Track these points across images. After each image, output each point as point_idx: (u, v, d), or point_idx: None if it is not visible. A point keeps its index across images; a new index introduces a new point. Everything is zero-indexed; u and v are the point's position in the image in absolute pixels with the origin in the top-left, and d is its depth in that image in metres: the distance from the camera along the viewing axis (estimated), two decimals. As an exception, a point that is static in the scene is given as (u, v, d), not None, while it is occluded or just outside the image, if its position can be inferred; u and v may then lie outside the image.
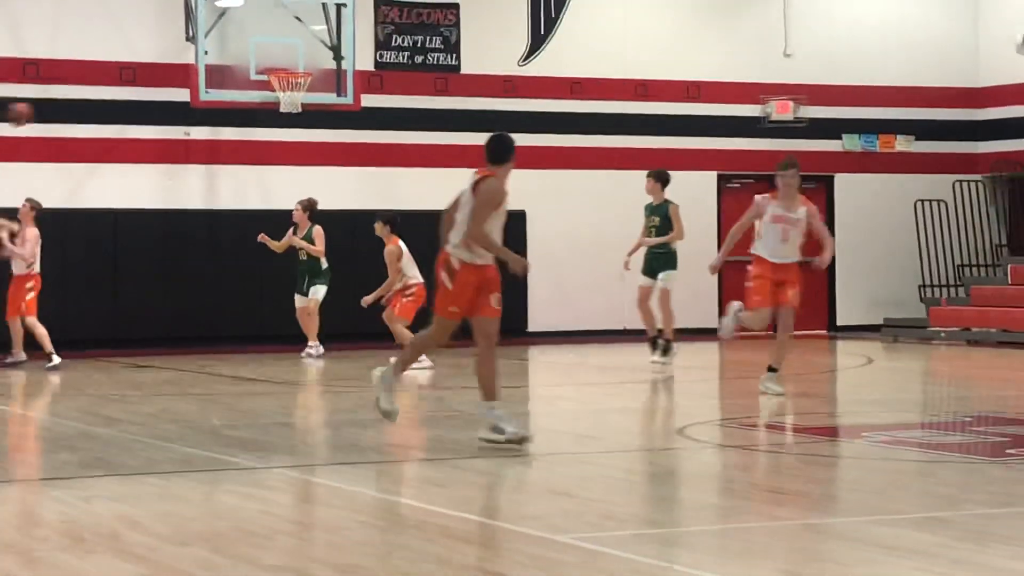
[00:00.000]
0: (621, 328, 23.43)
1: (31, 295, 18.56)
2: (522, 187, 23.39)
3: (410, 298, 17.86)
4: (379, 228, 18.29)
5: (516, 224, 23.25)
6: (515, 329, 23.10)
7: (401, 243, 18.15)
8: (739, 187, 24.70)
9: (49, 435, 11.67)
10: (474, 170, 11.28)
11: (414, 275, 18.08)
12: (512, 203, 23.05)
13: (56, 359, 18.14)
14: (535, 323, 23.52)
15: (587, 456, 10.66)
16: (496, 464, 10.24)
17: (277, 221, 21.21)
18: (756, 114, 24.67)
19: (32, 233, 18.70)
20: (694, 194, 24.24)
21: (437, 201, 22.51)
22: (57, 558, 7.13)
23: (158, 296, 21.58)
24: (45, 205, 21.04)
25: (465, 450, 10.61)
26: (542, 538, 7.51)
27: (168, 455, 10.54)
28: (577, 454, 10.81)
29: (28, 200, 18.90)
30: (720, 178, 24.72)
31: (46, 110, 21.22)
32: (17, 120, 18.70)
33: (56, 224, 21.24)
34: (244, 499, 8.83)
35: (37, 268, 18.72)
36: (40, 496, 8.87)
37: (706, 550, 7.49)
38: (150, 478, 9.55)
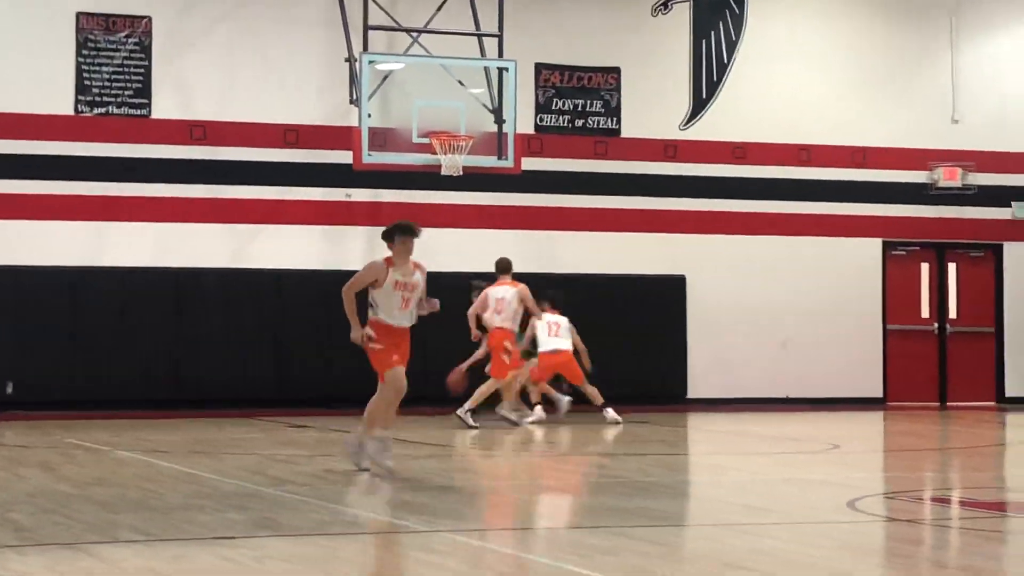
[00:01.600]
0: (783, 396, 23.14)
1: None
2: (682, 252, 23.38)
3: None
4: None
5: (675, 289, 23.15)
6: (675, 396, 22.94)
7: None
8: (905, 254, 24.32)
9: (218, 494, 11.72)
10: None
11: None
12: (672, 268, 23.26)
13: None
14: (694, 390, 23.30)
15: (758, 528, 10.45)
16: (665, 534, 10.08)
17: (438, 284, 21.24)
18: (923, 180, 24.29)
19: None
20: (858, 262, 23.97)
21: (596, 264, 22.76)
22: (233, 619, 7.12)
23: (319, 356, 21.72)
24: (210, 266, 21.37)
25: (633, 518, 10.46)
26: (718, 611, 7.34)
27: (336, 517, 10.53)
28: (747, 525, 10.60)
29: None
30: (885, 245, 24.34)
31: (212, 172, 21.58)
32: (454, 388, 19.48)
33: (220, 284, 21.55)
34: (415, 563, 8.77)
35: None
36: (213, 555, 8.88)
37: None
38: (320, 539, 9.54)
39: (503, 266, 19.65)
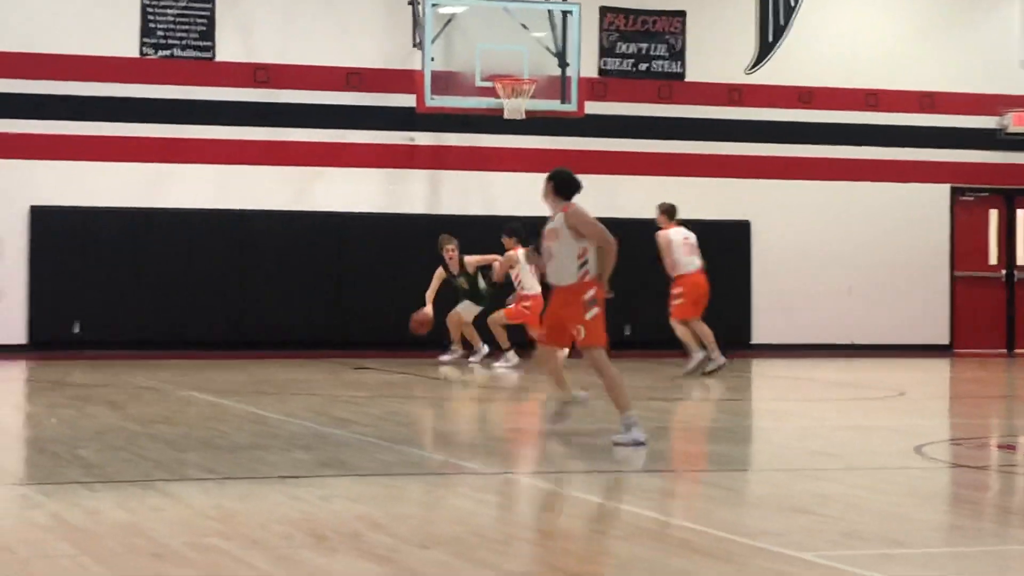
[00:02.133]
0: (848, 343, 23.02)
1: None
2: (747, 197, 23.22)
3: (527, 308, 18.57)
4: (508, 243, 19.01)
5: (740, 234, 23.01)
6: (738, 341, 22.84)
7: (520, 252, 18.77)
8: (973, 200, 24.08)
9: (284, 434, 11.77)
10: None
11: (532, 286, 18.52)
12: (736, 213, 23.15)
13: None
14: (758, 336, 23.20)
15: (824, 473, 10.40)
16: (732, 479, 10.05)
17: (499, 227, 21.24)
18: (992, 126, 24.00)
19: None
20: (925, 208, 23.75)
21: (656, 210, 22.58)
22: (302, 555, 7.15)
23: (380, 299, 21.76)
24: (271, 208, 21.42)
25: (699, 463, 10.44)
26: (784, 555, 7.31)
27: (400, 457, 10.56)
28: (813, 471, 10.56)
29: None
30: (953, 191, 24.09)
31: (273, 114, 21.59)
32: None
33: (281, 228, 21.60)
34: (479, 504, 8.78)
35: None
36: (281, 494, 8.92)
37: (957, 572, 7.22)
38: (385, 479, 9.57)
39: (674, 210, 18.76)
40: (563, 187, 11.62)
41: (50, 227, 20.85)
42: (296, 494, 8.86)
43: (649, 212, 22.72)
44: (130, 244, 21.17)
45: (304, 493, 8.87)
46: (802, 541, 7.75)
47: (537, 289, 18.12)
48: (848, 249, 23.29)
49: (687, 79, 23.13)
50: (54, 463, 10.05)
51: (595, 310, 11.16)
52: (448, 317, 20.10)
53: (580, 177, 23.35)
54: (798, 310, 23.27)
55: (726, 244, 22.92)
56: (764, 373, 20.42)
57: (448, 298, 20.07)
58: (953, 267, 23.88)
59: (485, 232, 21.45)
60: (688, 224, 23.59)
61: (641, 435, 10.78)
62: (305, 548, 7.31)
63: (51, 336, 20.74)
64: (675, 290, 18.35)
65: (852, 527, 8.22)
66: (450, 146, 22.34)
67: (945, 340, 23.75)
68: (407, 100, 21.32)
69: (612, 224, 22.87)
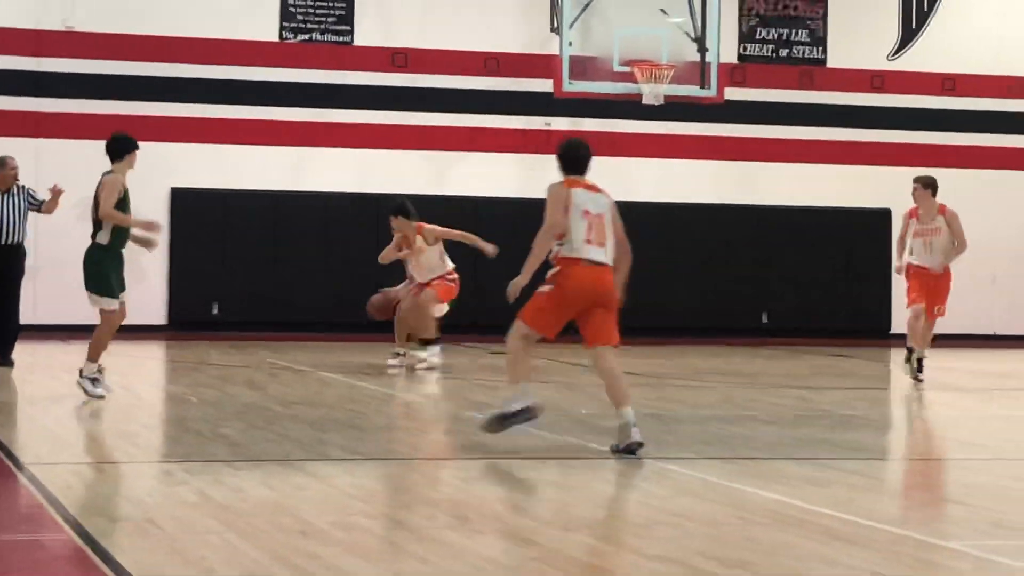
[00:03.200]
0: (991, 333, 22.64)
1: None
2: (887, 184, 22.88)
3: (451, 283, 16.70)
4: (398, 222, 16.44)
5: (880, 222, 22.70)
6: (879, 330, 22.58)
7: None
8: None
9: (425, 417, 11.82)
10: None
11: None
12: (877, 201, 22.82)
13: None
14: (899, 325, 22.83)
15: (971, 463, 10.23)
16: (874, 467, 9.92)
17: (637, 212, 21.14)
18: None
19: None
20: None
21: (799, 197, 22.42)
22: (446, 536, 7.16)
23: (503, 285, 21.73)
24: (410, 192, 21.49)
25: (841, 451, 10.31)
26: (931, 544, 7.20)
27: (540, 442, 10.54)
28: (960, 460, 10.39)
29: None
30: (1101, 180, 23.62)
31: (413, 99, 21.68)
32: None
33: (420, 211, 21.66)
34: (621, 488, 8.75)
35: None
36: (424, 475, 8.95)
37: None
38: (525, 463, 9.56)
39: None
40: (560, 160, 10.79)
41: (190, 209, 21.12)
42: (436, 475, 8.89)
43: (788, 199, 22.52)
44: (269, 227, 21.38)
45: (445, 475, 8.90)
46: (949, 530, 7.63)
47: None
48: (991, 238, 22.85)
49: (828, 65, 22.87)
50: (198, 441, 10.17)
51: (544, 288, 10.48)
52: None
53: (718, 163, 23.18)
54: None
55: (867, 232, 22.64)
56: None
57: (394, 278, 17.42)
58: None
59: (622, 217, 21.36)
60: (828, 212, 23.36)
61: (516, 405, 10.02)
62: (449, 529, 7.32)
63: (190, 317, 21.01)
64: None
65: (1000, 517, 8.08)
66: (587, 131, 22.25)
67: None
68: (544, 85, 21.30)
69: (751, 211, 22.96)
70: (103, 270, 12.22)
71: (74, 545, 6.74)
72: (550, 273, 10.38)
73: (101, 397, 12.16)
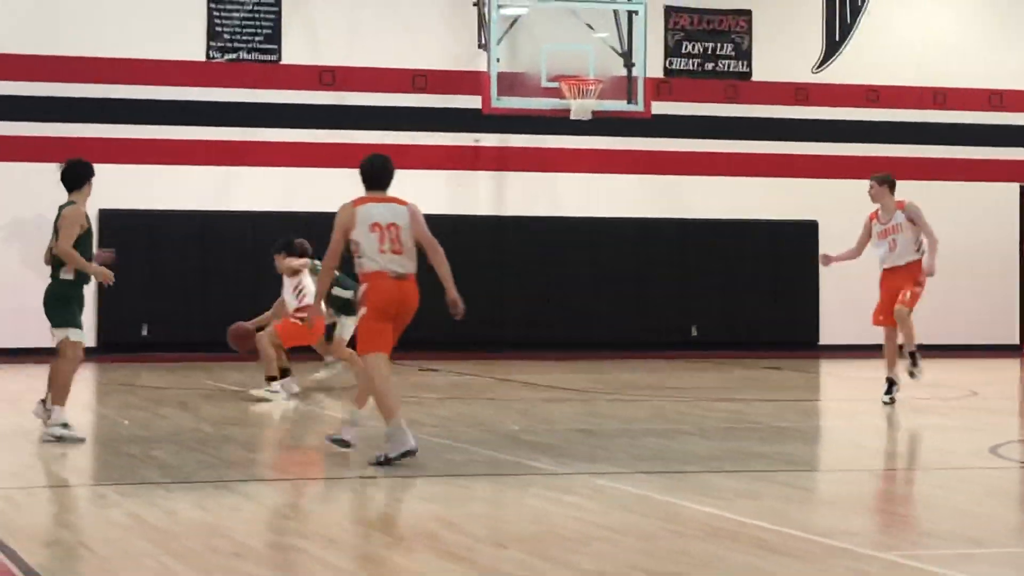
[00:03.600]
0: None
1: None
2: (814, 196, 23.08)
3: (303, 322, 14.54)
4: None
5: (807, 234, 22.87)
6: (806, 342, 22.73)
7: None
8: (1044, 199, 23.85)
9: (360, 434, 11.79)
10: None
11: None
12: (803, 212, 23.00)
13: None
14: (826, 336, 23.07)
15: (897, 474, 10.33)
16: (803, 478, 10.00)
17: (565, 228, 21.26)
18: (1062, 124, 23.78)
19: None
20: (994, 207, 23.55)
21: (726, 210, 22.57)
22: (381, 554, 7.17)
23: (443, 299, 21.72)
24: (337, 210, 21.44)
25: (773, 463, 10.39)
26: (864, 554, 7.26)
27: (471, 458, 10.56)
28: (886, 471, 10.49)
29: None
30: (1023, 190, 23.86)
31: (340, 117, 21.65)
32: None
33: (349, 228, 21.65)
34: (553, 504, 8.77)
35: None
36: (357, 494, 8.95)
37: (1041, 573, 7.15)
38: (458, 480, 9.57)
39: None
40: (361, 178, 11.00)
41: (118, 230, 20.95)
42: (370, 494, 8.88)
43: (716, 212, 22.66)
44: (197, 247, 21.27)
45: (378, 493, 8.89)
46: (881, 541, 7.70)
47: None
48: (917, 248, 23.16)
49: (753, 78, 23.04)
50: (130, 464, 10.11)
51: (361, 312, 10.45)
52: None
53: (646, 178, 23.23)
54: (866, 311, 23.05)
55: (794, 244, 22.81)
56: (833, 373, 20.30)
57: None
58: (1023, 266, 23.65)
59: (550, 233, 21.49)
60: (754, 225, 23.48)
61: (401, 448, 9.96)
62: (383, 547, 7.33)
63: (120, 339, 20.86)
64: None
65: (931, 527, 8.16)
66: (516, 147, 22.35)
67: (1015, 340, 23.54)
68: (473, 101, 21.33)
69: (678, 224, 23.11)
70: (70, 304, 11.48)
71: (6, 570, 6.69)
72: (360, 293, 10.46)
73: (82, 440, 11.22)
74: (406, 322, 10.49)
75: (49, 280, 11.64)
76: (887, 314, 14.59)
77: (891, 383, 14.42)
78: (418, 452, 10.02)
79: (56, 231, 11.58)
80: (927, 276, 14.59)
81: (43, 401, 11.54)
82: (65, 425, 11.23)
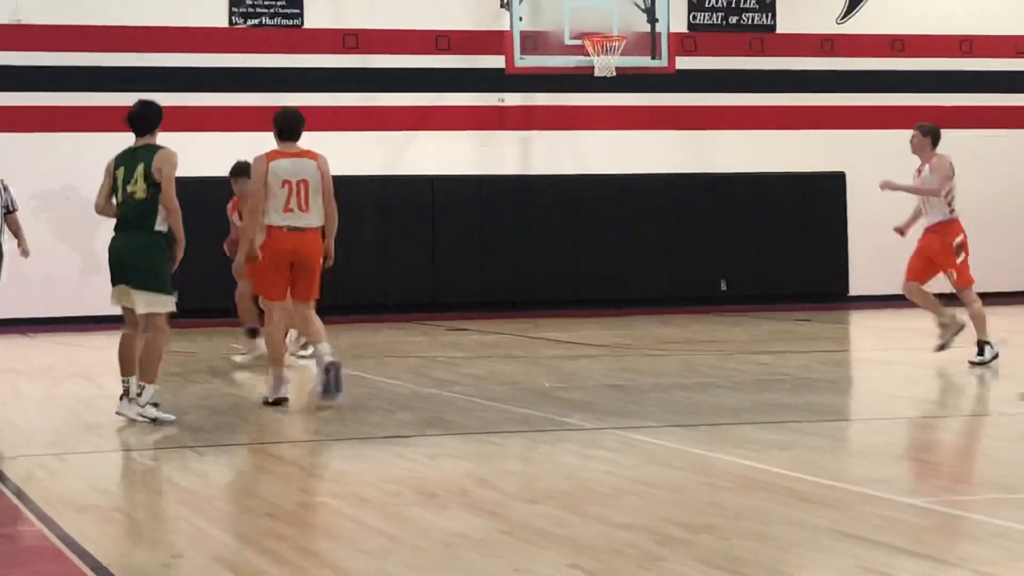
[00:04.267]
0: (948, 292, 22.76)
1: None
2: (841, 148, 22.97)
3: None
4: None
5: (835, 185, 22.79)
6: (836, 294, 22.68)
7: None
8: (1068, 145, 23.70)
9: (386, 395, 11.82)
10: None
11: None
12: (831, 164, 22.92)
13: None
14: (856, 287, 23.00)
15: (929, 421, 10.31)
16: (835, 429, 9.99)
17: (592, 184, 21.23)
18: (1087, 69, 23.61)
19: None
20: (1020, 155, 23.41)
21: (753, 163, 22.49)
22: (413, 512, 7.18)
23: (473, 261, 21.81)
24: (364, 173, 21.48)
25: (803, 414, 10.38)
26: (896, 501, 7.25)
27: (503, 416, 10.57)
28: (918, 419, 10.47)
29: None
30: (1050, 136, 23.76)
31: (364, 80, 21.63)
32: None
33: (375, 191, 21.67)
34: (585, 459, 8.78)
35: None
36: (388, 453, 8.97)
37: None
38: (490, 437, 9.59)
39: None
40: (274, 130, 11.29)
41: (145, 198, 21.01)
42: (402, 453, 8.90)
43: (744, 166, 22.57)
44: (224, 213, 21.27)
45: (410, 452, 8.91)
46: (912, 488, 7.69)
47: None
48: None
49: (778, 31, 22.92)
50: (162, 429, 10.14)
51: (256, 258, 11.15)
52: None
53: (671, 133, 23.14)
54: (896, 261, 22.96)
55: (822, 196, 22.74)
56: (863, 324, 20.25)
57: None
58: (1049, 213, 23.56)
59: (577, 191, 21.44)
60: (782, 178, 23.41)
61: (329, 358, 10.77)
62: (415, 505, 7.34)
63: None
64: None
65: (961, 473, 8.15)
66: (540, 106, 22.30)
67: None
68: (496, 61, 21.30)
69: (706, 179, 23.04)
70: (165, 264, 10.23)
71: (42, 536, 6.73)
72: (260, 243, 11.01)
73: (173, 420, 10.16)
74: (312, 270, 11.00)
75: (128, 232, 10.25)
76: (909, 273, 14.03)
77: (981, 344, 13.50)
78: (448, 411, 10.04)
79: (147, 175, 10.20)
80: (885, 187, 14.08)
81: (125, 384, 10.30)
82: (156, 404, 10.21)
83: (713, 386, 12.14)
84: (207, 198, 21.20)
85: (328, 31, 21.69)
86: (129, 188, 10.27)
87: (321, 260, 11.10)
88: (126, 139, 20.76)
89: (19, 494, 7.65)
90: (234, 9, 21.39)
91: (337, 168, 21.12)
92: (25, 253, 15.32)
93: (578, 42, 20.83)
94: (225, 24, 21.37)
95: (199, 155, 21.18)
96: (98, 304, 20.65)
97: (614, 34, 20.73)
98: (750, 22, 22.86)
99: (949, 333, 13.53)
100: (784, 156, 22.71)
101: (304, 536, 6.63)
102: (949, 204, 13.79)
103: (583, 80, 21.27)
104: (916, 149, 14.14)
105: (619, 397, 11.85)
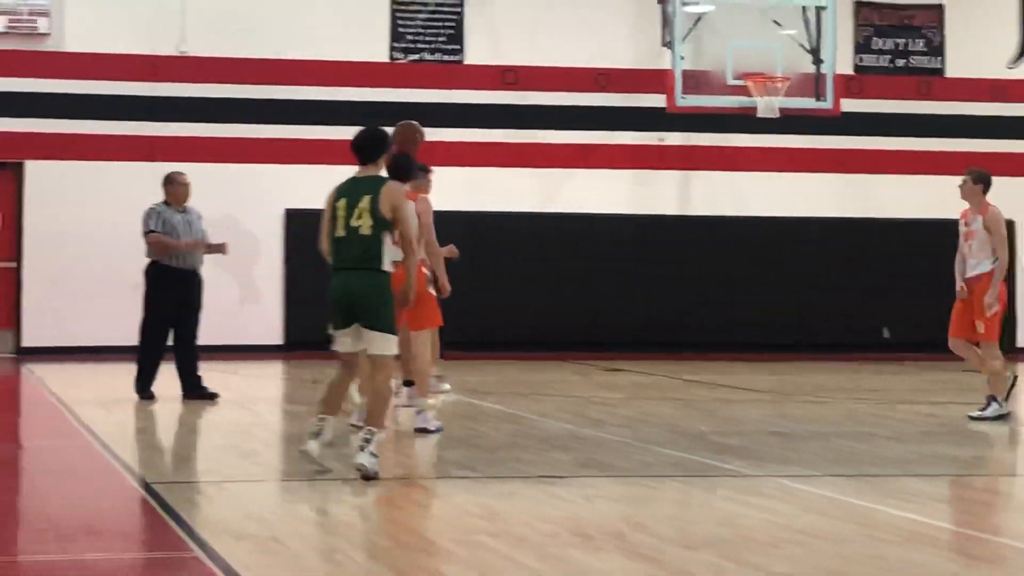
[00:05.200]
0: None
1: None
2: (1011, 196, 22.37)
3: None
4: None
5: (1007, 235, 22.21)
6: (1003, 345, 22.13)
7: None
8: None
9: (540, 434, 11.73)
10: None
11: None
12: (1002, 211, 22.36)
13: None
14: (1025, 339, 22.48)
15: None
16: (1005, 483, 9.69)
17: (752, 227, 21.01)
18: None
19: None
20: None
21: (918, 209, 22.06)
22: (568, 554, 7.08)
23: (628, 300, 21.68)
24: (520, 210, 21.47)
25: (969, 467, 10.10)
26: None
27: (659, 458, 10.43)
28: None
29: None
30: None
31: (523, 116, 21.65)
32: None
33: (531, 228, 21.64)
34: (743, 506, 8.61)
35: None
36: (543, 493, 8.87)
37: None
38: (645, 480, 9.46)
39: None
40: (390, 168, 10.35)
41: (304, 230, 21.17)
42: (557, 493, 8.80)
43: (907, 212, 22.16)
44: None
45: (565, 492, 8.81)
46: (1086, 549, 7.41)
47: None
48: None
49: (947, 75, 22.54)
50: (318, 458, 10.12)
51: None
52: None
53: (835, 176, 22.81)
54: (1065, 310, 22.50)
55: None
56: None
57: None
58: None
59: (736, 232, 21.22)
60: (947, 225, 22.82)
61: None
62: (571, 547, 7.24)
63: (305, 337, 21.08)
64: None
65: None
66: (701, 146, 22.14)
67: None
68: (657, 100, 21.17)
69: (868, 224, 22.61)
70: (392, 304, 9.60)
71: (199, 563, 6.73)
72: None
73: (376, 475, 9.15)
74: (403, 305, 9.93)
75: (355, 272, 9.59)
76: (958, 329, 13.47)
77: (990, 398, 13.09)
78: (602, 452, 9.92)
79: (374, 212, 9.49)
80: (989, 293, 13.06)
81: (321, 422, 9.52)
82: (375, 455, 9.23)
83: (875, 436, 11.88)
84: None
85: (487, 67, 21.76)
86: (353, 223, 9.56)
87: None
88: (285, 170, 20.96)
89: (178, 520, 7.67)
90: (395, 44, 21.55)
91: (492, 204, 21.37)
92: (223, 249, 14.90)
93: (740, 82, 20.62)
94: (386, 59, 21.53)
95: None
96: (256, 333, 20.90)
97: (778, 75, 20.51)
98: (918, 65, 22.50)
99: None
100: (950, 202, 22.18)
101: (459, 573, 6.55)
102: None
103: (744, 120, 21.07)
104: (965, 196, 13.79)
105: (778, 444, 11.64)
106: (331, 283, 9.66)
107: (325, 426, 9.41)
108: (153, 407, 13.68)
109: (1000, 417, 12.96)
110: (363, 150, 9.72)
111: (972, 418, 13.00)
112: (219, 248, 14.74)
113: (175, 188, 14.67)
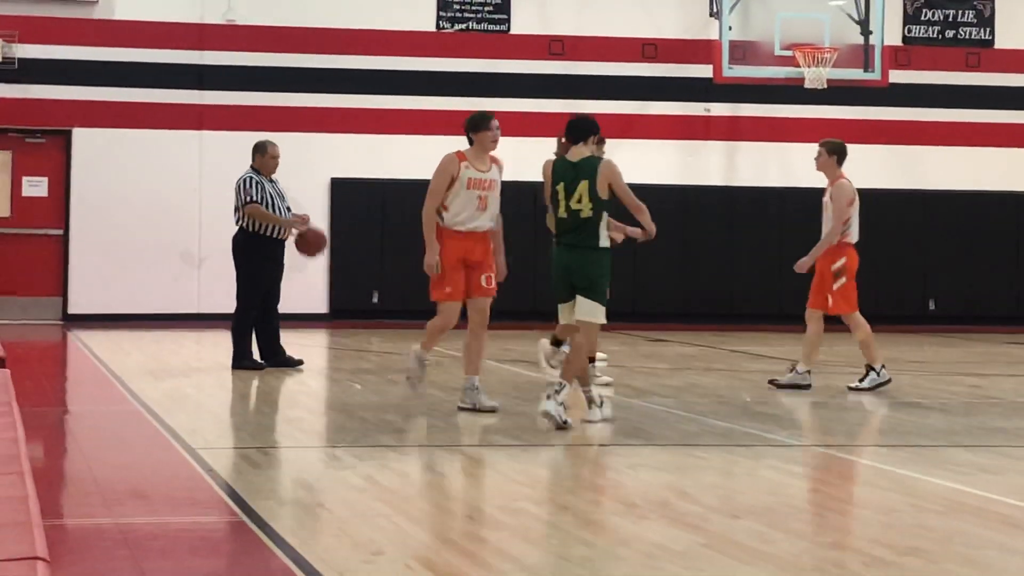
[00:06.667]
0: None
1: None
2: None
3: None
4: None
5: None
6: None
7: None
8: None
9: (580, 402, 11.74)
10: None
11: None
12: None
13: None
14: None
15: None
16: (1051, 454, 9.64)
17: (800, 198, 20.88)
18: None
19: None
20: None
21: (965, 181, 21.95)
22: (612, 522, 7.09)
23: (675, 272, 21.64)
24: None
25: (1015, 439, 10.05)
26: (1114, 534, 6.95)
27: (704, 428, 10.42)
28: None
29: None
30: None
31: (570, 86, 21.60)
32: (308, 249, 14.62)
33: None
34: (789, 476, 8.60)
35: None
36: (588, 461, 8.89)
37: None
38: (691, 450, 9.45)
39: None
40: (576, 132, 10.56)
41: (349, 199, 21.27)
42: (602, 462, 8.81)
43: (956, 183, 22.06)
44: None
45: (610, 461, 8.82)
46: None
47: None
48: None
49: (996, 46, 22.36)
50: (363, 427, 10.19)
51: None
52: None
53: (882, 147, 22.68)
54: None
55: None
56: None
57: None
58: None
59: (782, 203, 21.13)
60: (995, 196, 22.71)
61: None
62: (615, 514, 7.25)
63: (351, 306, 21.16)
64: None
65: None
66: (747, 116, 22.05)
67: None
68: (704, 70, 21.11)
69: (916, 196, 22.47)
70: (608, 279, 10.39)
71: (245, 528, 6.78)
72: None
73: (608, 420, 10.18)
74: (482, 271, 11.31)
75: (575, 250, 10.22)
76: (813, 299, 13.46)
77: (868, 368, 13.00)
78: (648, 422, 9.91)
79: (587, 193, 10.18)
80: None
81: (560, 386, 9.91)
82: (564, 405, 9.97)
83: (920, 407, 11.84)
84: (410, 200, 21.37)
85: (534, 36, 21.71)
86: (573, 205, 10.27)
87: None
88: (333, 139, 20.95)
89: (225, 486, 7.72)
90: (442, 14, 21.53)
91: (537, 174, 21.27)
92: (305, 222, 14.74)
93: (788, 53, 20.54)
94: (433, 28, 21.52)
95: (404, 158, 21.38)
96: (300, 301, 20.96)
97: (826, 46, 20.40)
98: (967, 36, 22.33)
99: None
100: (999, 175, 22.14)
101: (503, 540, 6.56)
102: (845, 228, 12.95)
103: (791, 91, 20.98)
104: (820, 168, 13.34)
105: (822, 414, 11.62)
106: (554, 257, 10.47)
107: (562, 390, 9.92)
108: (196, 376, 13.76)
109: (878, 386, 12.75)
110: (573, 131, 10.42)
111: (851, 388, 12.87)
112: (305, 224, 14.53)
113: (267, 160, 14.61)
